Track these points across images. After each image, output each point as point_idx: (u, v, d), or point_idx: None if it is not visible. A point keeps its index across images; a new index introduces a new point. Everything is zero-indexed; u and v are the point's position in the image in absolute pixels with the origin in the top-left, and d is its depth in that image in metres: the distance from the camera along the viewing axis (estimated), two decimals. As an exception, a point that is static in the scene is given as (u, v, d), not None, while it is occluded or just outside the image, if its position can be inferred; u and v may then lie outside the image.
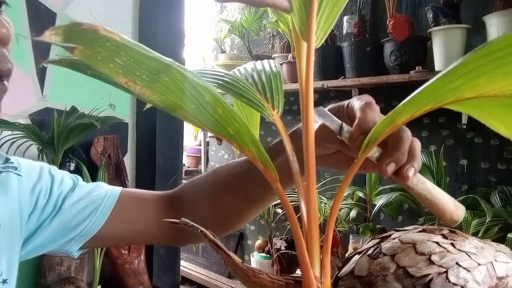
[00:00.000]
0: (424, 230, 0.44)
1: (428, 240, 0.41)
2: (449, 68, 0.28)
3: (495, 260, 0.40)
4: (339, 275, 0.43)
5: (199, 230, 0.38)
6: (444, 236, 0.42)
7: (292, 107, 2.56)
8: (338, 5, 0.38)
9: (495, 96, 0.28)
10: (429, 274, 0.38)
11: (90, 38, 0.25)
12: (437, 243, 0.41)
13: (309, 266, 0.34)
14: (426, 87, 0.29)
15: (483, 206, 1.60)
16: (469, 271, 0.38)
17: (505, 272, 0.39)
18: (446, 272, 0.38)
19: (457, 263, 0.38)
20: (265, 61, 0.49)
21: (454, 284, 0.37)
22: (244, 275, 0.39)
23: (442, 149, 1.86)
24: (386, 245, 0.42)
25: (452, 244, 0.40)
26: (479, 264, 0.39)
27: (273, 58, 2.58)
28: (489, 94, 0.28)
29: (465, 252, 0.40)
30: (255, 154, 0.34)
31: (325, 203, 2.22)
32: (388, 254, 0.41)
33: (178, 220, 0.39)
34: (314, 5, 0.35)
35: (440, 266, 0.38)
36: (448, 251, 0.40)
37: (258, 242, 2.75)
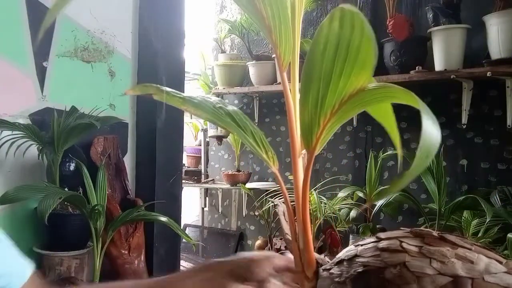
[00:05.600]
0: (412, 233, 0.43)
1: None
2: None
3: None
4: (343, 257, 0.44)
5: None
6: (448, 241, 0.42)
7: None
8: (289, 30, 0.43)
9: (364, 90, 0.35)
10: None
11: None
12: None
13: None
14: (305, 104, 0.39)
15: (483, 206, 1.60)
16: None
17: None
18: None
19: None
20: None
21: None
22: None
23: (442, 149, 1.86)
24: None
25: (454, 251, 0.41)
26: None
27: (273, 58, 2.58)
28: (358, 89, 0.35)
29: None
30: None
31: (325, 203, 2.21)
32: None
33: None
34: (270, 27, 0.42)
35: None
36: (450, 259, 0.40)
37: (258, 242, 2.75)
